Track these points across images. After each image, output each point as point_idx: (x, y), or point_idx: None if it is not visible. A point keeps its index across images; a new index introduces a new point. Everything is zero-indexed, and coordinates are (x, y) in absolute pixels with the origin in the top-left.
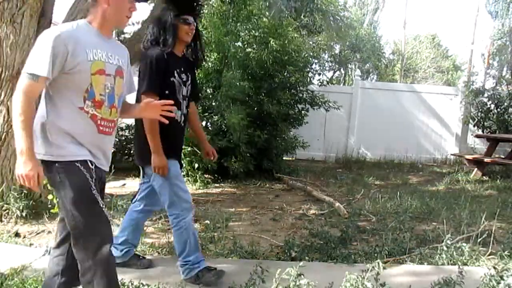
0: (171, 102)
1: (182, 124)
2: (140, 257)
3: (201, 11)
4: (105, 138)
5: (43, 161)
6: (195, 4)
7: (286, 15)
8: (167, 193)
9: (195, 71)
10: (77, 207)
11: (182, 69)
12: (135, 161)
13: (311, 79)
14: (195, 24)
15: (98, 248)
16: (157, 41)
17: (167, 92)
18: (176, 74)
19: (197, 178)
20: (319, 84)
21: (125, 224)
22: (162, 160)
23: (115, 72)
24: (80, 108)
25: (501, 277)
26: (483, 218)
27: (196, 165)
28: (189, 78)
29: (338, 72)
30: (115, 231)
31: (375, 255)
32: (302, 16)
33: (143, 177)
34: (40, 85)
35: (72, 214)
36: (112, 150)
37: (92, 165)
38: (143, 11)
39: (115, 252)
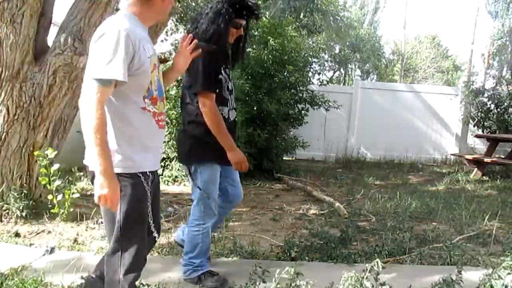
0: (190, 35)
1: (231, 120)
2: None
3: (258, 16)
4: (163, 133)
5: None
6: (255, 10)
7: (286, 14)
8: (196, 194)
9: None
10: (128, 221)
11: (226, 64)
12: (180, 160)
13: (311, 78)
14: (244, 26)
15: (131, 268)
16: (206, 38)
17: (217, 90)
18: (223, 71)
19: None
20: (319, 84)
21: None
22: (239, 155)
23: (158, 63)
24: (143, 108)
25: (500, 277)
26: (486, 219)
27: None
28: (231, 73)
29: (338, 72)
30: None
31: (375, 255)
32: (302, 16)
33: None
34: (111, 91)
35: (119, 226)
36: None
37: (150, 174)
38: None
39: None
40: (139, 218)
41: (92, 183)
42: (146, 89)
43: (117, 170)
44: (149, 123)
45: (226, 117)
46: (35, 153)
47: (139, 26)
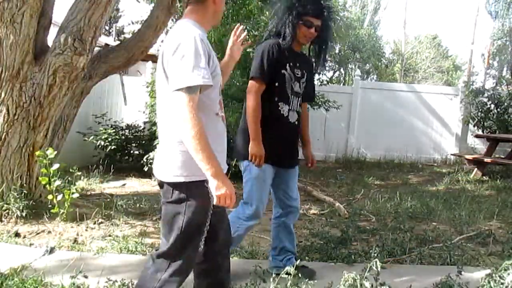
0: (239, 26)
1: (291, 121)
2: (303, 266)
3: (330, 16)
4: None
5: (173, 183)
6: (321, 8)
7: None
8: (247, 191)
9: (313, 72)
10: (190, 230)
11: (298, 64)
12: (235, 156)
13: None
14: (318, 27)
15: (179, 273)
16: (278, 33)
17: (277, 84)
18: (288, 67)
19: None
20: (319, 84)
21: (274, 233)
22: (260, 149)
23: None
24: (216, 114)
25: (500, 277)
26: (486, 219)
27: None
28: (305, 76)
29: (338, 72)
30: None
31: (375, 255)
32: None
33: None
34: (197, 98)
35: (179, 233)
36: (113, 148)
37: None
38: (142, 12)
39: (276, 263)
40: (200, 228)
41: (161, 187)
42: (219, 92)
43: (189, 178)
44: (221, 129)
45: (285, 115)
46: (36, 153)
47: (203, 32)
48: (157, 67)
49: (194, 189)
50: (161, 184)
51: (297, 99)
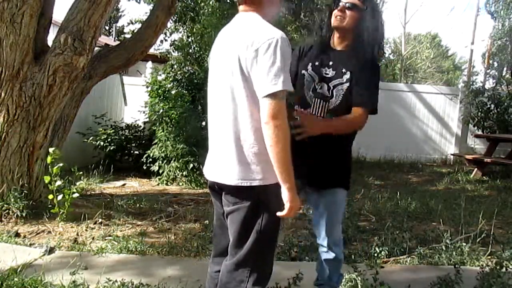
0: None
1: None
2: None
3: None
4: None
5: (250, 187)
6: None
7: (286, 14)
8: None
9: (365, 70)
10: (270, 232)
11: (330, 63)
12: None
13: None
14: (347, 7)
15: (260, 280)
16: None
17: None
18: (310, 67)
19: (193, 179)
20: None
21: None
22: None
23: None
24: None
25: (499, 276)
26: (485, 219)
27: (191, 166)
28: (341, 75)
29: None
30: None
31: (375, 255)
32: (302, 16)
33: None
34: None
35: (258, 238)
36: (113, 148)
37: None
38: (142, 12)
39: None
40: (277, 230)
41: (231, 194)
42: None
43: (266, 182)
44: None
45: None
46: (37, 152)
47: None
48: (221, 65)
49: (275, 191)
50: (223, 188)
51: (320, 103)
